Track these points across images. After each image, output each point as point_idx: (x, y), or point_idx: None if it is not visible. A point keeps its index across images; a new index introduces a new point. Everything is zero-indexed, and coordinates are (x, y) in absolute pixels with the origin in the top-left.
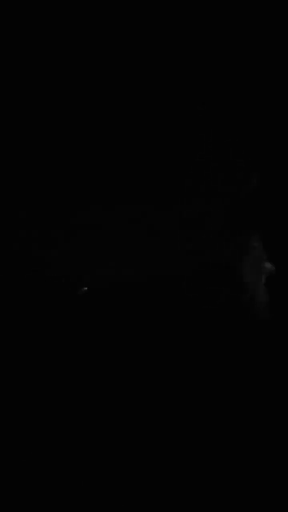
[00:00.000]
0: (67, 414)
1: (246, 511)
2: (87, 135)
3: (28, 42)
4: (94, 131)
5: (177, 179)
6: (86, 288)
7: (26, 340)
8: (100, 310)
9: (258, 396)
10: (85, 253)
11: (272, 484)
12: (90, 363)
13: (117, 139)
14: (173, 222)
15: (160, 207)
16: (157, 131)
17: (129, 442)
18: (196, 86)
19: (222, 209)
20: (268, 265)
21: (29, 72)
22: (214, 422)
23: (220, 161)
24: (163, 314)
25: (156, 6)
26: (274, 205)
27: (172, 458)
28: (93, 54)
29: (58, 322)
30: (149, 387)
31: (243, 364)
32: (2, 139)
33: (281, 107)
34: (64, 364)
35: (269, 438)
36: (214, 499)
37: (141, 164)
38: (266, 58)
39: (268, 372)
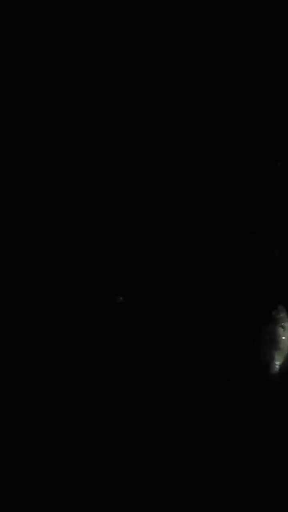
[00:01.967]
0: (74, 414)
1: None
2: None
3: (29, 43)
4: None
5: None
6: (122, 298)
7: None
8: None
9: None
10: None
11: (272, 484)
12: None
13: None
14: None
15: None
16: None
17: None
18: (196, 99)
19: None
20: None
21: (31, 81)
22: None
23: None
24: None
25: (157, 8)
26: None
27: (171, 458)
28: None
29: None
30: (150, 390)
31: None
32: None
33: (281, 111)
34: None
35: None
36: (214, 498)
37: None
38: (266, 62)
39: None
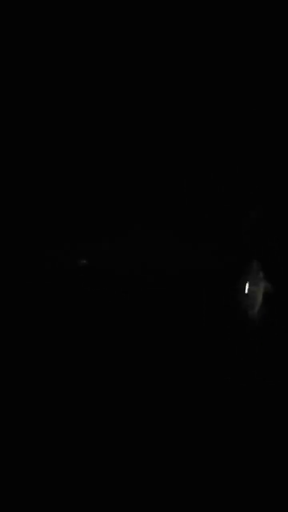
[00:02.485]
0: (67, 406)
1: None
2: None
3: (29, 44)
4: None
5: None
6: (85, 261)
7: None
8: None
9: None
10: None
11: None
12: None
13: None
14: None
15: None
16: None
17: (129, 438)
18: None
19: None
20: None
21: (31, 82)
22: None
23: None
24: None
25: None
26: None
27: (171, 457)
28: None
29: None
30: (143, 380)
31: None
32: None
33: (281, 112)
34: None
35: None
36: (214, 498)
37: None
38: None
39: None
